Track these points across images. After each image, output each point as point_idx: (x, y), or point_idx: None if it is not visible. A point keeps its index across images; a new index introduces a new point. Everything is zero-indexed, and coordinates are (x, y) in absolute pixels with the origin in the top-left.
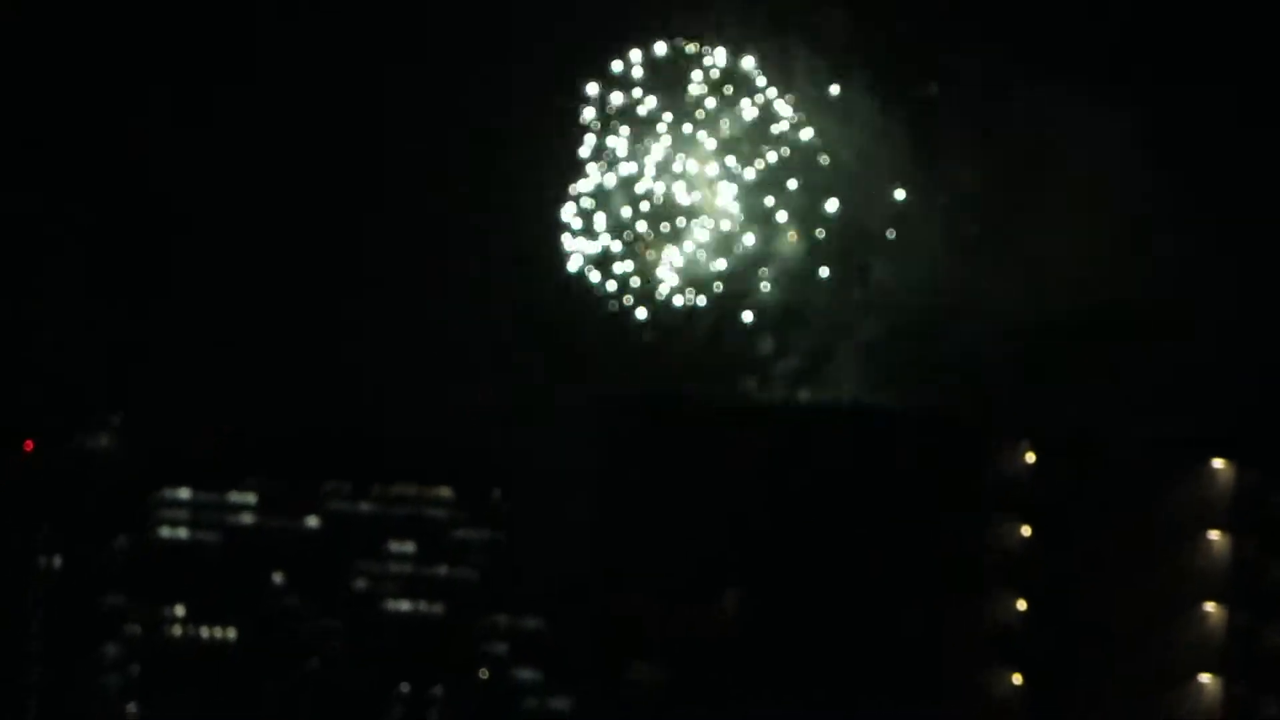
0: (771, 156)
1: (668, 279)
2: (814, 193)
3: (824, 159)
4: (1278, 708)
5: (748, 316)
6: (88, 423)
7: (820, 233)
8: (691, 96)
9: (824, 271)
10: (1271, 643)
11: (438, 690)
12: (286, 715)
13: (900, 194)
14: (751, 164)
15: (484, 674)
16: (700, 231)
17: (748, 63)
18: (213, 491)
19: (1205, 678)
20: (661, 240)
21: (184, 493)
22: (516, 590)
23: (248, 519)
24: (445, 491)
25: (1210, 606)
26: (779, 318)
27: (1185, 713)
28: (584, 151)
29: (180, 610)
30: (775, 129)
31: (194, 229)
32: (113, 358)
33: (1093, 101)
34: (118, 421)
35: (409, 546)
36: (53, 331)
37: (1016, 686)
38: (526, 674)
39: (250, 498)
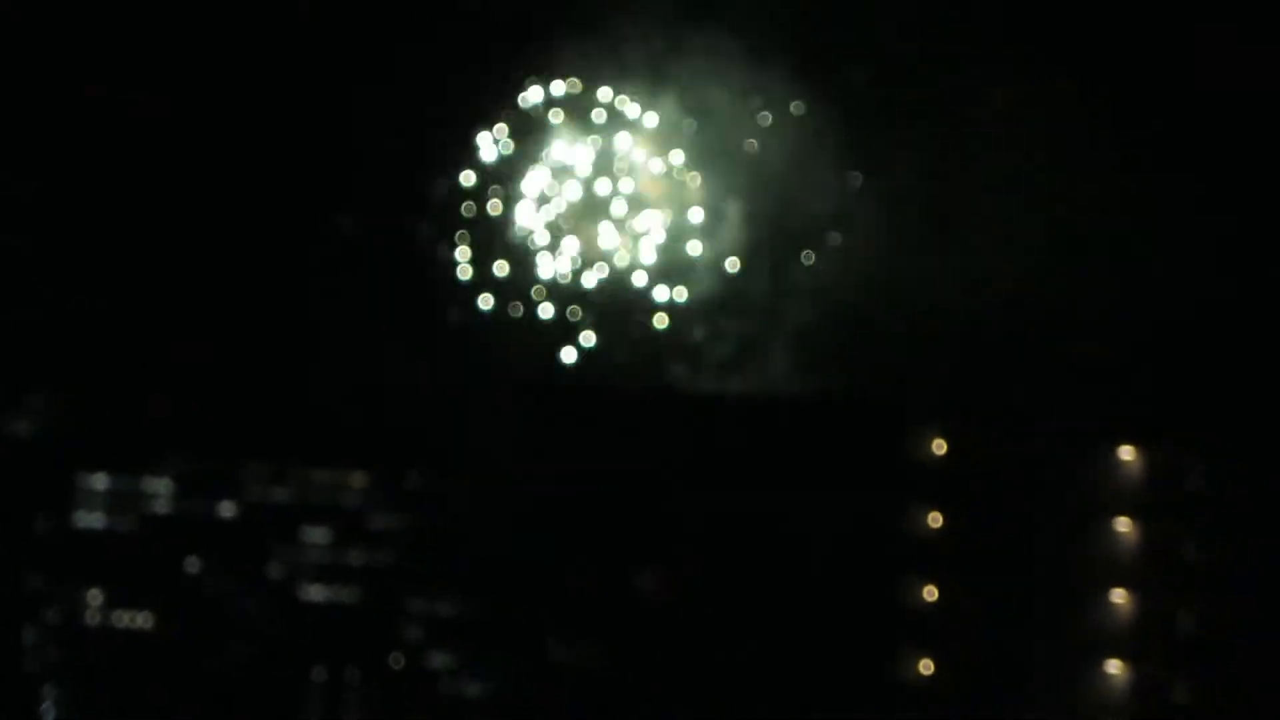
0: (696, 145)
1: (595, 267)
2: (744, 181)
3: (754, 148)
4: (1189, 693)
5: (673, 304)
6: (4, 407)
7: (746, 221)
8: (620, 86)
9: (748, 260)
10: (1182, 628)
11: (352, 676)
12: (202, 701)
13: (830, 181)
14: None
15: (398, 660)
16: (630, 219)
17: (677, 50)
18: (129, 477)
19: (1115, 663)
20: (591, 227)
21: (100, 479)
22: (433, 575)
23: (163, 506)
24: (360, 477)
25: (1120, 592)
26: (704, 306)
27: (1096, 698)
28: (513, 134)
29: (97, 596)
30: (701, 117)
31: (116, 209)
32: (31, 341)
33: (1028, 90)
34: (36, 406)
35: (324, 533)
36: None
37: (928, 672)
38: (441, 659)
39: (166, 484)
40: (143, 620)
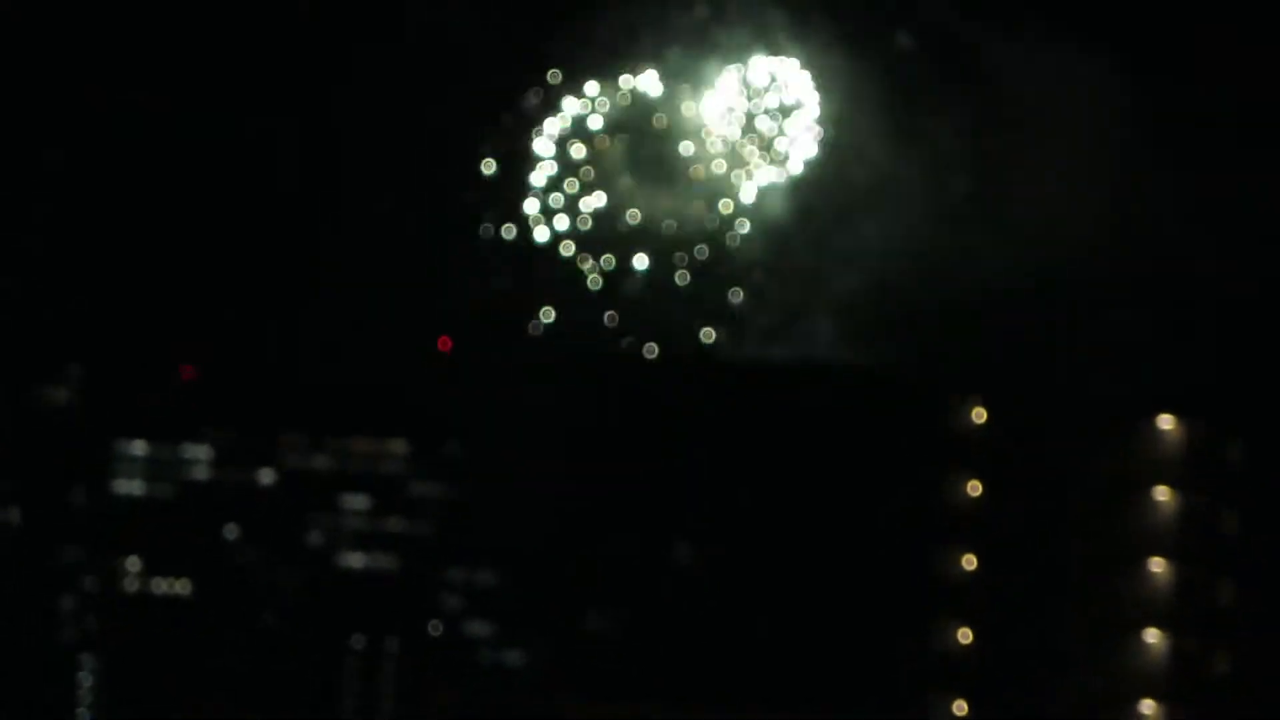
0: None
1: (634, 232)
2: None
3: (799, 115)
4: (1226, 662)
5: (715, 272)
6: (45, 376)
7: (791, 192)
8: (665, 53)
9: (792, 232)
10: (1220, 597)
11: (391, 644)
12: (241, 668)
13: (872, 151)
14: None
15: (437, 628)
16: (670, 185)
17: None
18: (168, 445)
19: (1154, 632)
20: (630, 192)
21: (140, 446)
22: (471, 544)
23: (203, 473)
24: (400, 445)
25: (1159, 561)
26: (744, 275)
27: (1134, 666)
28: (549, 99)
29: (136, 563)
30: (751, 83)
31: (150, 180)
32: (71, 310)
33: (1074, 66)
34: (76, 374)
35: (363, 501)
36: (9, 283)
37: (966, 640)
38: (480, 628)
39: (205, 451)
40: (181, 587)
